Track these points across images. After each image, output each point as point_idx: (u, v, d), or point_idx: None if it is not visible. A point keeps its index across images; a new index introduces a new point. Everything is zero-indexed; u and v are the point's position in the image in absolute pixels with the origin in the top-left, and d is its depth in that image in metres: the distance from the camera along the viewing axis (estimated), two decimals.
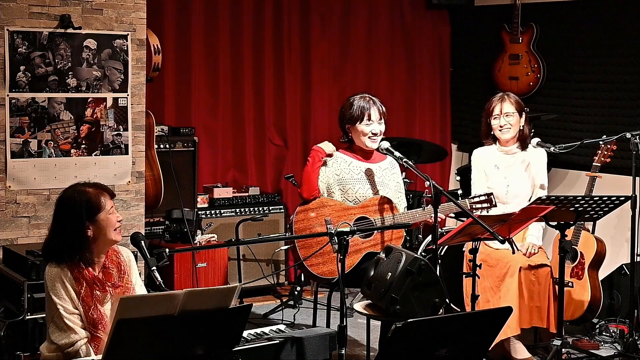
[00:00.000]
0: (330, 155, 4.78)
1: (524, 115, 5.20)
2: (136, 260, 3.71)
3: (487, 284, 4.98)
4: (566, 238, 4.64)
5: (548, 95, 6.80)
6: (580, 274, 5.33)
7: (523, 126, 5.19)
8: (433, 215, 4.25)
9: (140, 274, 3.69)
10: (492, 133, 5.24)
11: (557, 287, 4.79)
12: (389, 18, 7.26)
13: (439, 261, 4.15)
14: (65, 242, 3.42)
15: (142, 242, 3.47)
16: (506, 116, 5.16)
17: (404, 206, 4.85)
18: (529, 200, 5.07)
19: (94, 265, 3.47)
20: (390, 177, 4.84)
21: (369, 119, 4.72)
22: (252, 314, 3.16)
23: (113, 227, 3.46)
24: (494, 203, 4.68)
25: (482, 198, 4.70)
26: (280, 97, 6.83)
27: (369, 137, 4.74)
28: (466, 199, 4.75)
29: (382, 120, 4.76)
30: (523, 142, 5.21)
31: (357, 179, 4.74)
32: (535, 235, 5.11)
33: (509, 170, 5.20)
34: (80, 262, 3.41)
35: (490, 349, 4.79)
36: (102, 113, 5.18)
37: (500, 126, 5.17)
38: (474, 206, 4.68)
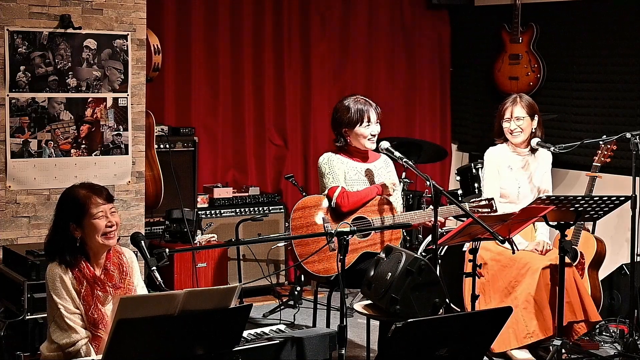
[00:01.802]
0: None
1: (536, 118, 5.18)
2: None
3: (501, 284, 4.96)
4: (566, 238, 4.64)
5: (548, 95, 6.80)
6: (581, 274, 5.33)
7: (535, 129, 5.19)
8: (433, 216, 4.25)
9: (140, 273, 3.68)
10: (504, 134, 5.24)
11: (580, 279, 4.81)
12: (389, 18, 7.25)
13: (439, 261, 4.15)
14: (60, 241, 3.43)
15: (142, 242, 3.47)
16: (516, 120, 5.14)
17: (400, 203, 4.86)
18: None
19: (95, 265, 3.47)
20: (386, 176, 4.84)
21: (368, 121, 4.74)
22: (252, 313, 3.15)
23: (99, 232, 3.42)
24: (494, 208, 4.67)
25: (483, 203, 4.71)
26: (280, 97, 6.83)
27: (369, 139, 4.75)
28: (466, 203, 4.75)
29: (378, 121, 4.78)
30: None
31: (355, 180, 4.75)
32: (545, 234, 5.11)
33: (520, 172, 5.21)
34: (79, 261, 3.41)
35: (504, 349, 4.84)
36: (102, 113, 5.18)
37: (511, 130, 5.17)
38: (473, 209, 4.68)
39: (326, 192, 4.68)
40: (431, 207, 4.35)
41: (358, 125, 4.74)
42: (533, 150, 5.23)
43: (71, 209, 3.43)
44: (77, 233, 3.42)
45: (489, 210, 4.67)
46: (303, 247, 4.55)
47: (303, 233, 4.57)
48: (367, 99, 4.81)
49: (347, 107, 4.77)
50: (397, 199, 4.83)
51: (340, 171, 4.73)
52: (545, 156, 5.27)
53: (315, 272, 4.56)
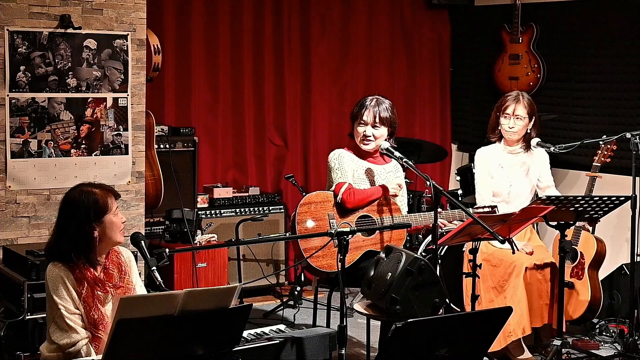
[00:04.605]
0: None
1: (534, 119, 5.20)
2: (136, 261, 3.72)
3: (490, 283, 4.98)
4: (566, 238, 4.65)
5: (548, 95, 6.80)
6: (580, 274, 5.33)
7: (530, 129, 5.20)
8: (439, 219, 4.25)
9: (140, 274, 3.69)
10: (499, 129, 5.24)
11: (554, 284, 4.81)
12: (389, 18, 7.25)
13: (439, 261, 4.15)
14: (71, 242, 3.41)
15: (142, 242, 3.47)
16: (516, 118, 5.15)
17: (405, 211, 4.86)
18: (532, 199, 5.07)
19: (96, 265, 3.47)
20: (394, 181, 4.82)
21: (361, 120, 4.72)
22: (252, 314, 3.15)
23: (119, 228, 3.48)
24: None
25: (486, 210, 4.71)
26: (280, 97, 6.83)
27: (361, 139, 4.74)
28: (470, 209, 4.74)
29: (381, 125, 4.72)
30: (527, 143, 5.21)
31: (362, 179, 4.76)
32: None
33: (512, 170, 5.21)
34: (83, 262, 3.41)
35: (495, 349, 4.84)
36: (102, 113, 5.18)
37: (509, 127, 5.17)
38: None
39: (333, 187, 4.68)
40: (440, 210, 4.33)
41: (355, 121, 4.76)
42: (527, 148, 5.23)
43: (93, 210, 3.42)
44: (96, 232, 3.43)
45: None
46: (308, 240, 4.54)
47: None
48: (380, 100, 4.76)
49: (358, 101, 4.80)
50: (402, 201, 4.83)
51: (349, 169, 4.72)
52: (541, 155, 5.26)
53: (319, 267, 4.55)
